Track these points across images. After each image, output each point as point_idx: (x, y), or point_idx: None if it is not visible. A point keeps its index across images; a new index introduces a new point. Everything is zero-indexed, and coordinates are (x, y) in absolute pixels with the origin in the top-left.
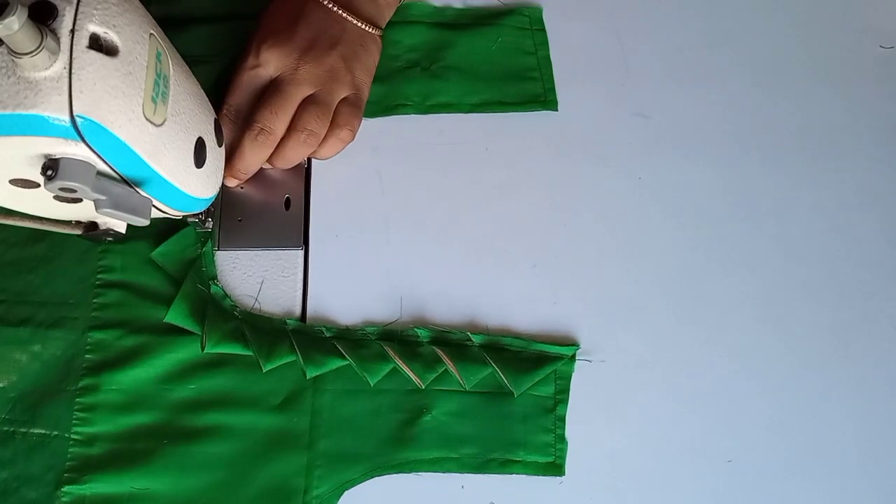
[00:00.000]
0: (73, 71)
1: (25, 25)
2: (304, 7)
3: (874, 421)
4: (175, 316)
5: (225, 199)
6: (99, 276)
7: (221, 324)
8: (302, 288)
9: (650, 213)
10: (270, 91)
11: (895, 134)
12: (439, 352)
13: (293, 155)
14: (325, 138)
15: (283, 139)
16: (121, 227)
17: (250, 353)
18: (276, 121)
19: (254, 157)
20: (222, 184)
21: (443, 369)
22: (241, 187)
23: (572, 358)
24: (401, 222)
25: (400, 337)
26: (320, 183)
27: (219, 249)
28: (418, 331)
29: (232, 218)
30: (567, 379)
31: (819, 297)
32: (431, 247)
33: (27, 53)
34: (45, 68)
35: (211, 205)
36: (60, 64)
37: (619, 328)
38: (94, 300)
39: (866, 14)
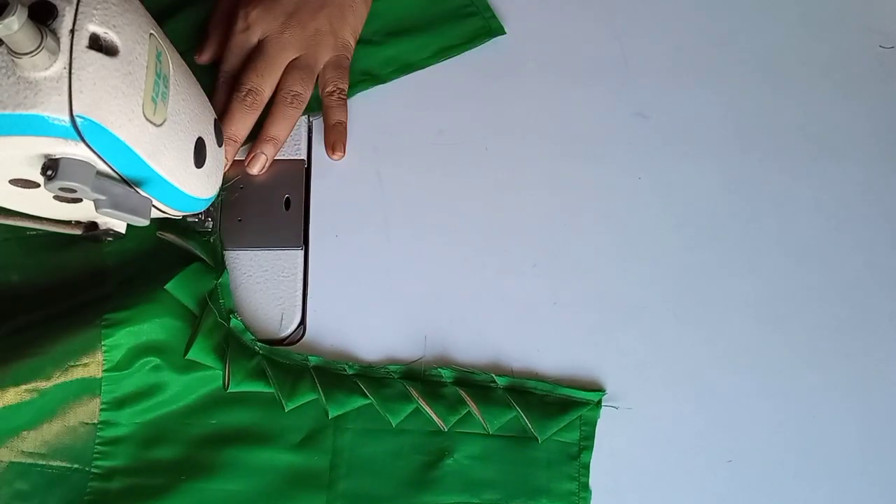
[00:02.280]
0: (72, 71)
1: (25, 25)
2: None
3: (874, 421)
4: (197, 353)
5: (225, 199)
6: (106, 316)
7: (244, 361)
8: (302, 288)
9: (650, 213)
10: (256, 53)
11: (895, 134)
12: (463, 393)
13: (282, 119)
14: (327, 106)
15: (271, 105)
16: (121, 227)
17: (272, 391)
18: (263, 82)
19: (243, 119)
20: (222, 183)
21: (466, 411)
22: (241, 186)
23: (598, 404)
24: (401, 222)
25: (423, 376)
26: (320, 183)
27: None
28: (442, 371)
29: (232, 218)
30: (592, 425)
31: (819, 297)
32: (431, 247)
33: (27, 53)
34: (45, 68)
35: (211, 205)
36: (60, 64)
37: (618, 328)
38: (104, 342)
39: (866, 14)
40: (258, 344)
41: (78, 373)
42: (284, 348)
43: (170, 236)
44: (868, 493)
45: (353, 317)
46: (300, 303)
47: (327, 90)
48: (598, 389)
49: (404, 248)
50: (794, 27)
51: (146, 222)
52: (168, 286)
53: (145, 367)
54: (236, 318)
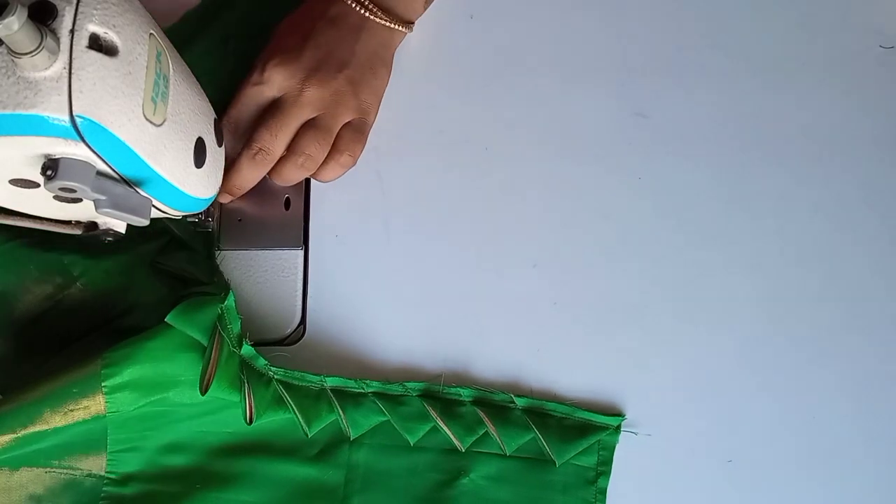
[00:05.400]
0: (72, 71)
1: (25, 25)
2: (315, 25)
3: (875, 421)
4: (216, 389)
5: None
6: (105, 355)
7: (262, 391)
8: (302, 288)
9: (650, 213)
10: (272, 111)
11: (895, 134)
12: (481, 413)
13: (290, 176)
14: (325, 161)
15: (280, 159)
16: (121, 227)
17: (292, 416)
18: (276, 142)
19: (250, 175)
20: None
21: (483, 431)
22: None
23: (617, 429)
24: (400, 222)
25: (441, 395)
26: (320, 183)
27: (219, 249)
28: (460, 390)
29: (232, 218)
30: (610, 450)
31: (819, 297)
32: (431, 247)
33: (27, 53)
34: (45, 68)
35: (211, 205)
36: (60, 64)
37: (618, 328)
38: (104, 383)
39: (866, 14)
40: (272, 368)
41: (79, 415)
42: (300, 371)
43: (167, 265)
44: (867, 493)
45: (353, 317)
46: (300, 303)
47: (338, 152)
48: (618, 414)
49: (404, 247)
50: (794, 27)
51: (146, 222)
52: (169, 318)
53: (154, 405)
54: (248, 344)
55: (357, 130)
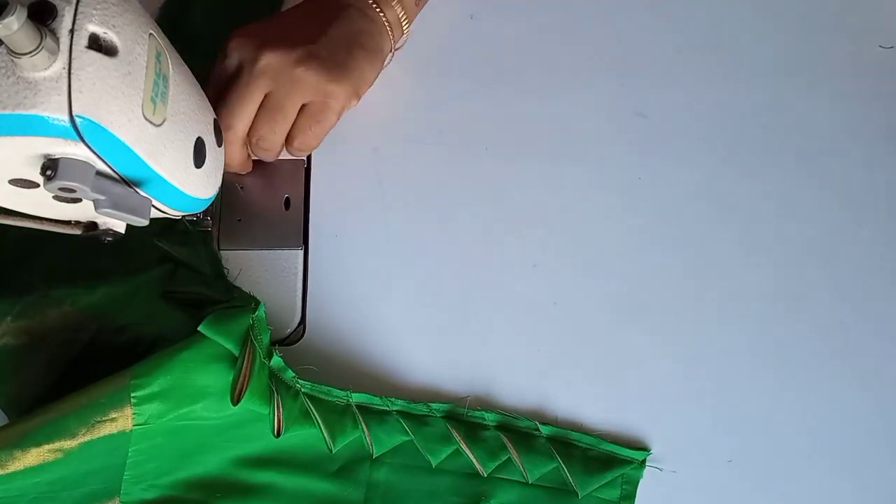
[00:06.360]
0: (72, 71)
1: (25, 25)
2: (293, 10)
3: (875, 421)
4: (247, 401)
5: (225, 200)
6: (135, 367)
7: (290, 403)
8: (301, 288)
9: (650, 213)
10: (230, 85)
11: (895, 134)
12: (505, 439)
13: (260, 154)
14: (286, 142)
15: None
16: (120, 226)
17: (318, 431)
18: (234, 118)
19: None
20: (222, 183)
21: (506, 457)
22: (241, 186)
23: (642, 463)
24: (400, 222)
25: (466, 418)
26: (320, 183)
27: (219, 249)
28: (485, 413)
29: (232, 218)
30: (634, 484)
31: (820, 297)
32: (431, 247)
33: (26, 53)
34: (45, 68)
35: (211, 205)
36: (60, 64)
37: (618, 328)
38: (134, 394)
39: (866, 14)
40: (300, 382)
41: (105, 429)
42: (326, 385)
43: (179, 293)
44: (868, 493)
45: (353, 317)
46: (300, 303)
47: (291, 138)
48: (643, 448)
49: (404, 248)
50: (794, 27)
51: (146, 222)
52: (202, 327)
53: (180, 419)
54: (278, 355)
55: (313, 116)
